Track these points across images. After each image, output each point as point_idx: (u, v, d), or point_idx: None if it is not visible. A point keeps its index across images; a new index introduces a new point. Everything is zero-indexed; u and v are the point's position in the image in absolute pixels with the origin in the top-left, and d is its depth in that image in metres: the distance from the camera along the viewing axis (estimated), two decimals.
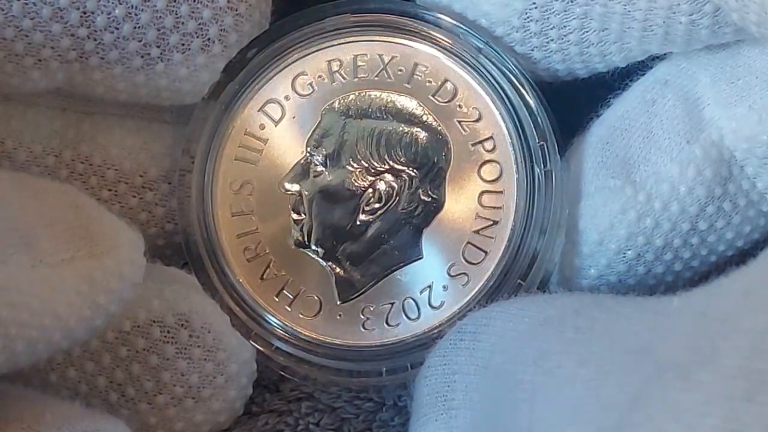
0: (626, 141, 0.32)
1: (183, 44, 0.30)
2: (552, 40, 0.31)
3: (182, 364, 0.29)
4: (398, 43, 0.33)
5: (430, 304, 0.32)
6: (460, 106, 0.33)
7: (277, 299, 0.32)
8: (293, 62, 0.33)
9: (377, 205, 0.32)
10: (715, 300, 0.23)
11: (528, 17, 0.31)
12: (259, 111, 0.33)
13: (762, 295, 0.22)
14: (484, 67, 0.32)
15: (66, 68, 0.30)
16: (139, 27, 0.30)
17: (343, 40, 0.33)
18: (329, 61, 0.33)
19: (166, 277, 0.31)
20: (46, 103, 0.32)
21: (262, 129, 0.33)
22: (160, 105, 0.32)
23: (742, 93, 0.30)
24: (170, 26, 0.30)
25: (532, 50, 0.32)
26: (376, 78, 0.33)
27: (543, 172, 0.32)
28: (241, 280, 0.32)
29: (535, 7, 0.31)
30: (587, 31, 0.31)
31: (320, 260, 0.32)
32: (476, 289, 0.32)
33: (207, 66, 0.31)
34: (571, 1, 0.30)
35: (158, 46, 0.30)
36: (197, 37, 0.30)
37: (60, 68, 0.30)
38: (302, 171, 0.32)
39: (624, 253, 0.31)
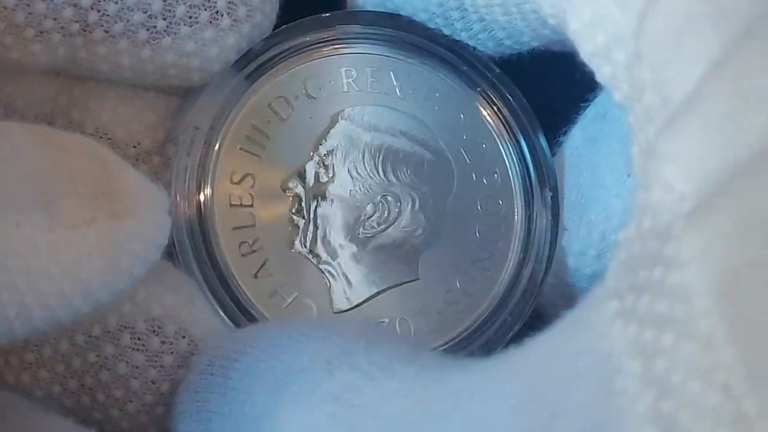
0: (577, 180, 0.32)
1: (190, 17, 0.29)
2: (460, 30, 0.32)
3: (152, 372, 0.28)
4: (413, 64, 0.32)
5: (422, 328, 0.31)
6: (466, 136, 0.32)
7: (270, 299, 0.31)
8: (305, 64, 0.32)
9: (379, 221, 0.31)
10: (489, 405, 0.21)
11: (434, 14, 0.31)
12: (267, 106, 0.31)
13: (538, 408, 0.20)
14: (494, 101, 0.32)
15: (68, 42, 0.29)
16: None
17: (357, 51, 0.32)
18: (343, 70, 0.32)
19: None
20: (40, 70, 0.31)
21: (269, 123, 0.31)
22: (168, 84, 0.31)
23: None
24: None
25: (453, 33, 0.32)
26: (387, 94, 0.32)
27: (542, 212, 0.32)
28: (234, 275, 0.30)
29: (437, 16, 0.31)
30: (492, 31, 0.31)
31: (318, 266, 0.31)
32: (470, 319, 0.31)
33: (216, 40, 0.30)
34: (465, 10, 0.30)
35: (164, 18, 0.29)
36: (204, 9, 0.29)
37: (62, 42, 0.29)
38: (307, 173, 0.31)
39: None
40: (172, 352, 0.28)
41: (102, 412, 0.28)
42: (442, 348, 0.31)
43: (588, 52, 0.26)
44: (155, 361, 0.28)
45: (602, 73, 0.26)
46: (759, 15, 0.21)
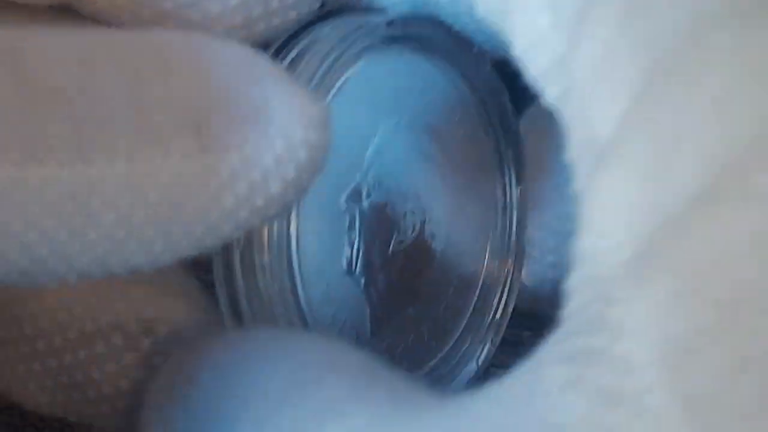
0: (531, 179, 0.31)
1: None
2: None
3: (141, 373, 0.28)
4: (433, 65, 0.30)
5: (430, 345, 0.31)
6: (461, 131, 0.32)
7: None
8: (349, 68, 0.29)
9: (407, 236, 0.30)
10: None
11: None
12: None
13: None
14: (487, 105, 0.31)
15: None
16: None
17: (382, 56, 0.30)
18: (381, 74, 0.30)
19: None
20: None
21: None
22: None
23: None
24: None
25: None
26: (412, 101, 0.30)
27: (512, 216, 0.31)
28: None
29: None
30: None
31: (360, 290, 0.30)
32: (453, 338, 0.31)
33: None
34: None
35: None
36: None
37: None
38: (358, 189, 0.30)
39: None
40: (161, 353, 0.28)
41: (95, 409, 0.28)
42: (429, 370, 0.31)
43: (533, 75, 0.24)
44: (145, 363, 0.28)
45: (550, 93, 0.24)
46: (678, 42, 0.19)
